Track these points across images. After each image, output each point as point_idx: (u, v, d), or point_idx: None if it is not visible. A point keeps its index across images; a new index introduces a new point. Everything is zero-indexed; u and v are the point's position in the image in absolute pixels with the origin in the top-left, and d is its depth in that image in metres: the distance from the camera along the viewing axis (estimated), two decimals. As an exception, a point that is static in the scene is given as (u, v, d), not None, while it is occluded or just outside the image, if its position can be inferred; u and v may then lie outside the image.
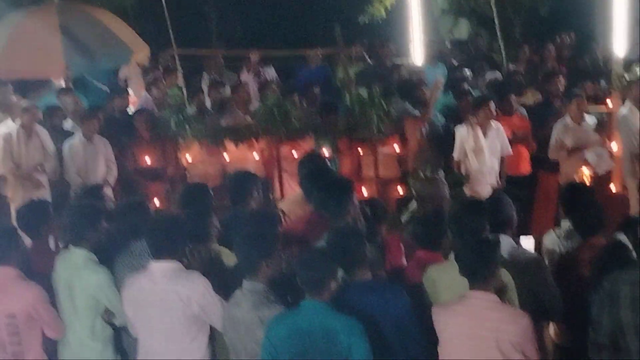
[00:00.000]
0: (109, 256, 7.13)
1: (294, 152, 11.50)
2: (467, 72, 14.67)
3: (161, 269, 6.37)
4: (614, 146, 11.31)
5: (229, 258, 6.83)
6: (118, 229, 7.34)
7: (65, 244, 7.41)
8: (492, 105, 11.50)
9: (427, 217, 7.08)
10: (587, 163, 9.72)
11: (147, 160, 12.04)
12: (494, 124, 11.53)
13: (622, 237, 7.24)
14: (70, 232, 7.20)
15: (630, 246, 6.93)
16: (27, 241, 7.65)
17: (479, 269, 5.80)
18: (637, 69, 11.97)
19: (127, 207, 7.63)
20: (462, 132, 11.49)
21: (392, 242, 7.16)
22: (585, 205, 7.54)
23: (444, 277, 6.45)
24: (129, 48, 15.53)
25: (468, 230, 6.42)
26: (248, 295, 6.06)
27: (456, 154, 11.49)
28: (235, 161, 11.67)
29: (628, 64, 12.23)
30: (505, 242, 6.61)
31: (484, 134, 11.44)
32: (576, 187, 8.29)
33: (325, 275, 5.70)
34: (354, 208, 7.13)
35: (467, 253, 5.87)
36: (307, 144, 11.65)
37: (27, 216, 7.83)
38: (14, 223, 8.03)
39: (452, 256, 6.40)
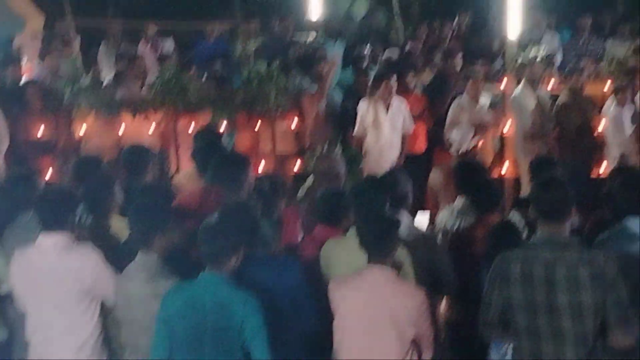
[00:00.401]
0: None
1: (191, 125, 11.40)
2: (367, 48, 14.74)
3: (51, 242, 6.25)
4: (507, 126, 11.49)
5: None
6: (6, 201, 7.17)
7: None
8: (393, 80, 11.58)
9: (326, 193, 7.08)
10: (450, 142, 9.91)
11: (39, 131, 11.79)
12: (397, 100, 11.61)
13: (515, 217, 7.38)
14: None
15: (521, 225, 7.08)
16: None
17: (379, 244, 5.86)
18: (531, 51, 12.17)
19: (15, 180, 7.47)
20: (362, 107, 11.57)
21: (289, 218, 7.15)
22: (478, 183, 7.67)
23: (341, 252, 6.49)
24: (21, 17, 15.19)
25: (368, 206, 6.46)
26: (141, 268, 5.99)
27: (356, 129, 11.56)
28: (131, 134, 11.51)
29: (522, 46, 12.42)
30: (402, 218, 6.66)
31: (386, 109, 11.52)
32: (469, 165, 8.40)
33: (226, 248, 5.67)
34: (249, 183, 7.11)
35: (367, 228, 5.90)
36: (204, 118, 11.58)
37: None
38: None
39: (350, 231, 6.42)
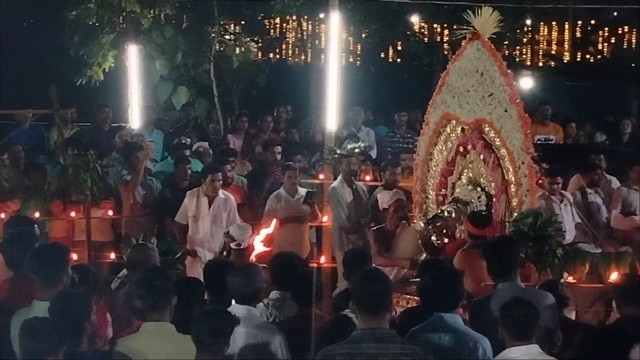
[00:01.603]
0: None
1: (1, 215, 11.07)
2: (188, 139, 14.72)
3: None
4: (325, 218, 11.64)
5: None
6: None
7: None
8: (219, 175, 11.62)
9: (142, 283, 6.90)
10: (230, 236, 9.90)
11: None
12: (223, 194, 11.62)
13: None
14: None
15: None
16: None
17: (212, 339, 5.83)
18: (348, 145, 12.41)
19: None
20: (187, 198, 11.56)
21: (98, 310, 6.94)
22: (297, 276, 7.66)
23: (137, 347, 6.31)
24: None
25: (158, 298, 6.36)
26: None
27: (178, 218, 11.51)
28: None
29: (340, 140, 12.66)
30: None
31: (210, 203, 11.53)
32: (284, 258, 8.27)
33: (48, 345, 5.50)
34: (67, 274, 6.88)
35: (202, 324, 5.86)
36: (15, 206, 11.27)
37: None
38: None
39: (144, 326, 6.30)
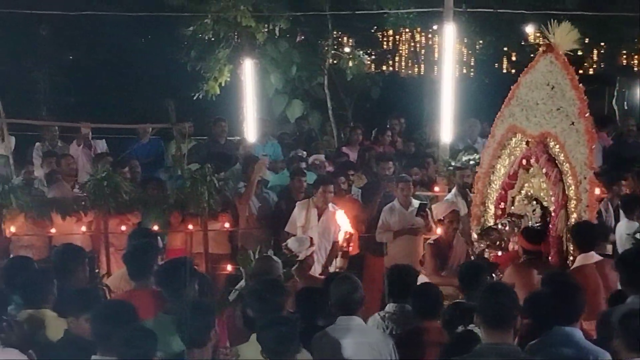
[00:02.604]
0: None
1: (123, 227, 11.34)
2: (304, 152, 14.83)
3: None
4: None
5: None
6: None
7: None
8: (331, 187, 11.66)
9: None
10: (288, 248, 9.88)
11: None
12: (333, 207, 11.62)
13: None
14: None
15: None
16: None
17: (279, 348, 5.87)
18: (463, 157, 12.34)
19: None
20: (296, 210, 11.62)
21: (218, 322, 7.06)
22: (416, 288, 7.64)
23: (247, 357, 6.39)
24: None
25: (269, 309, 6.43)
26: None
27: (288, 228, 11.57)
28: (62, 234, 11.39)
29: (455, 152, 12.60)
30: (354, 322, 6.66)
31: (319, 215, 11.57)
32: (402, 271, 8.26)
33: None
34: (193, 288, 7.00)
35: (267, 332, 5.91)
36: (136, 218, 11.53)
37: None
38: None
39: (253, 337, 6.38)
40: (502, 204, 10.04)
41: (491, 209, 10.25)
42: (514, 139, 10.00)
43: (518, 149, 9.94)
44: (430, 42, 25.16)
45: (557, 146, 9.29)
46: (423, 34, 24.85)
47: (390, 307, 7.66)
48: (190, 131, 15.12)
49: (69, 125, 16.31)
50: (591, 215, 8.96)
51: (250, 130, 15.76)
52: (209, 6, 17.79)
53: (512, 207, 9.93)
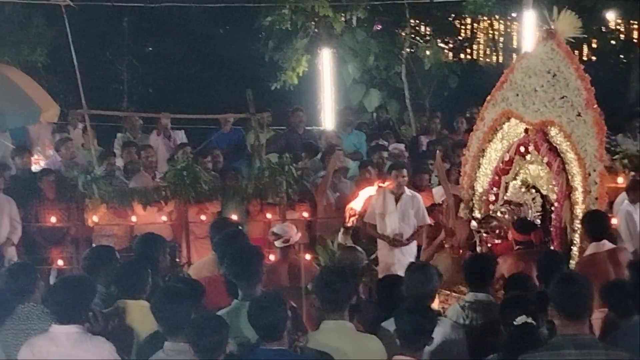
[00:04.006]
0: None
1: (202, 217, 11.47)
2: (385, 142, 14.81)
3: (64, 332, 6.22)
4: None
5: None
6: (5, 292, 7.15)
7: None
8: (403, 172, 11.61)
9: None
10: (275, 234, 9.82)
11: (52, 220, 11.85)
12: (410, 192, 11.60)
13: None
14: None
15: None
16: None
17: (417, 336, 5.88)
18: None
19: (15, 270, 7.41)
20: (373, 198, 11.59)
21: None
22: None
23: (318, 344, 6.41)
24: (37, 107, 15.32)
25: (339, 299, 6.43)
26: (173, 356, 5.98)
27: (366, 215, 11.55)
28: (143, 223, 11.56)
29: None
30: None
31: (397, 200, 11.53)
32: (482, 260, 8.18)
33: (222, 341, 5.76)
34: (261, 276, 7.06)
35: (407, 320, 5.93)
36: (215, 207, 11.64)
37: None
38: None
39: (322, 324, 6.41)
40: (495, 189, 9.87)
41: (479, 192, 10.09)
42: (507, 124, 9.81)
43: (512, 134, 9.74)
44: (508, 30, 24.91)
45: (561, 135, 9.10)
46: (502, 21, 24.63)
47: (470, 296, 7.62)
48: (268, 121, 15.25)
49: (149, 116, 16.54)
50: (601, 207, 8.82)
51: (328, 119, 15.78)
52: (287, -4, 17.88)
53: (507, 194, 9.79)
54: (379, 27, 19.98)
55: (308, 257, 10.90)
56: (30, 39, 19.32)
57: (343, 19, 18.64)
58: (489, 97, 10.05)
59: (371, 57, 18.90)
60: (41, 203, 12.04)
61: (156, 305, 6.17)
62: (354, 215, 9.92)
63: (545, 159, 9.23)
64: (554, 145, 9.19)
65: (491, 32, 25.37)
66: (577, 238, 8.96)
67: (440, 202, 10.81)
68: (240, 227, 9.06)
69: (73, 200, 11.93)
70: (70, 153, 13.63)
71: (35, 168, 13.36)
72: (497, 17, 22.66)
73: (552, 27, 9.40)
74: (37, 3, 16.74)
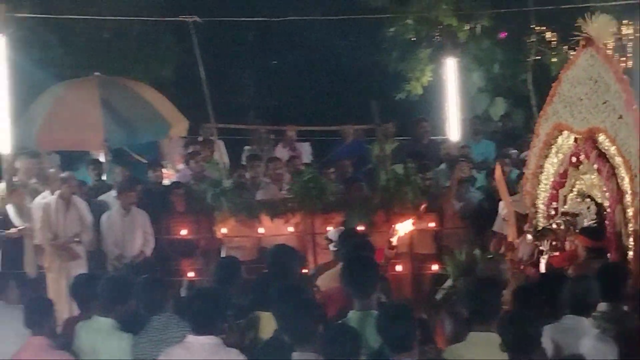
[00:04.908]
0: (130, 330, 7.14)
1: (329, 228, 11.53)
2: (513, 151, 14.67)
3: (200, 343, 6.36)
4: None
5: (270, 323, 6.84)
6: (140, 304, 7.31)
7: (89, 313, 7.38)
8: None
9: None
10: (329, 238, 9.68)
11: (182, 232, 12.10)
12: None
13: None
14: (100, 303, 7.23)
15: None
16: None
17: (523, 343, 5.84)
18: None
19: (150, 282, 7.56)
20: (500, 206, 11.50)
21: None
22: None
23: (465, 356, 6.37)
24: (167, 122, 15.66)
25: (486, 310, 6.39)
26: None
27: (496, 228, 11.44)
28: (271, 234, 11.69)
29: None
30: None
31: (523, 209, 11.40)
32: (616, 270, 8.04)
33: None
34: (377, 288, 7.02)
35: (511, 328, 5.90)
36: (340, 218, 11.70)
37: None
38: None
39: (470, 336, 6.36)
40: (554, 203, 9.65)
41: (542, 209, 9.86)
42: (560, 137, 9.59)
43: (565, 146, 9.52)
44: (637, 34, 24.35)
45: (607, 140, 8.88)
46: (631, 25, 24.08)
47: (602, 306, 7.49)
48: (393, 132, 15.26)
49: (275, 129, 16.72)
50: None
51: (453, 129, 15.68)
52: (411, 6, 17.84)
53: (565, 206, 9.55)
54: (504, 35, 19.78)
55: (435, 267, 10.88)
56: (159, 55, 19.76)
57: (467, 27, 18.52)
58: (541, 113, 9.97)
59: (496, 65, 18.74)
60: (172, 216, 12.31)
61: (286, 315, 6.23)
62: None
63: (595, 166, 9.07)
64: (603, 151, 9.03)
65: (619, 37, 24.82)
66: (631, 242, 8.72)
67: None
68: (367, 238, 9.09)
69: (202, 213, 12.18)
70: (200, 166, 13.88)
71: (166, 182, 13.67)
72: (625, 21, 22.15)
73: (589, 34, 9.22)
74: (165, 20, 17.10)
